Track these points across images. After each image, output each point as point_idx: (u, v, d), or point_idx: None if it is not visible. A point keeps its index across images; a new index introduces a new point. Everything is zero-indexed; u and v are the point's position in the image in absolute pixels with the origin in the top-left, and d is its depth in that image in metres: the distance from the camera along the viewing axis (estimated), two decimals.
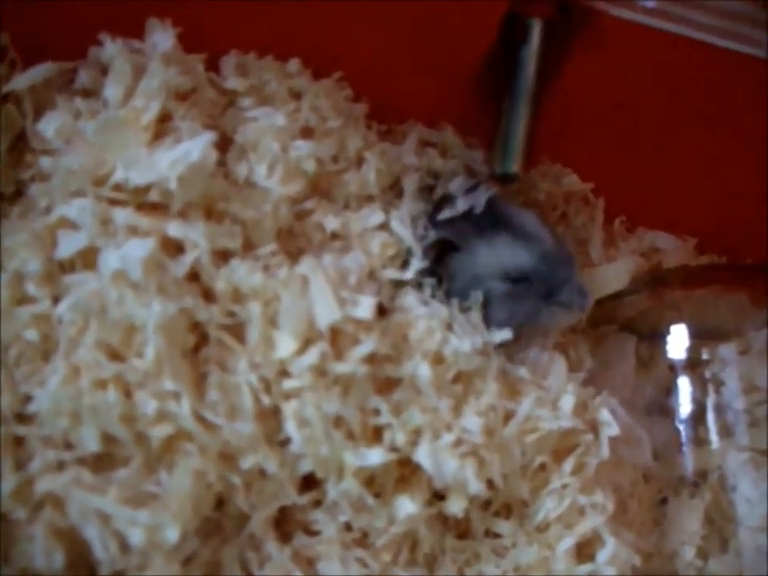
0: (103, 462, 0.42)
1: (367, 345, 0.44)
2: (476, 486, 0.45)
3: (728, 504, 0.54)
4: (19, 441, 0.42)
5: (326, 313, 0.44)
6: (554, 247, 0.51)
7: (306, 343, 0.43)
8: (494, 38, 0.53)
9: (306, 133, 0.51)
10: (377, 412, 0.45)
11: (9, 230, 0.45)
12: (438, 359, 0.47)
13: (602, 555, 0.48)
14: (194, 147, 0.44)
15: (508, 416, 0.48)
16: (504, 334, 0.49)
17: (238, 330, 0.44)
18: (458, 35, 0.52)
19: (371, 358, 0.45)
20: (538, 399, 0.49)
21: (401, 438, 0.45)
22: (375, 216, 0.51)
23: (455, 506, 0.46)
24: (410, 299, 0.49)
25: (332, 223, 0.50)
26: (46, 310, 0.43)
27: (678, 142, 0.58)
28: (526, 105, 0.52)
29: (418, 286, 0.51)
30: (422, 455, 0.45)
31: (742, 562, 0.52)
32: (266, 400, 0.43)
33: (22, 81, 0.48)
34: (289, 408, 0.43)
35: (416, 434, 0.45)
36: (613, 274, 0.56)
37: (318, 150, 0.50)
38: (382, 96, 0.56)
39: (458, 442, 0.45)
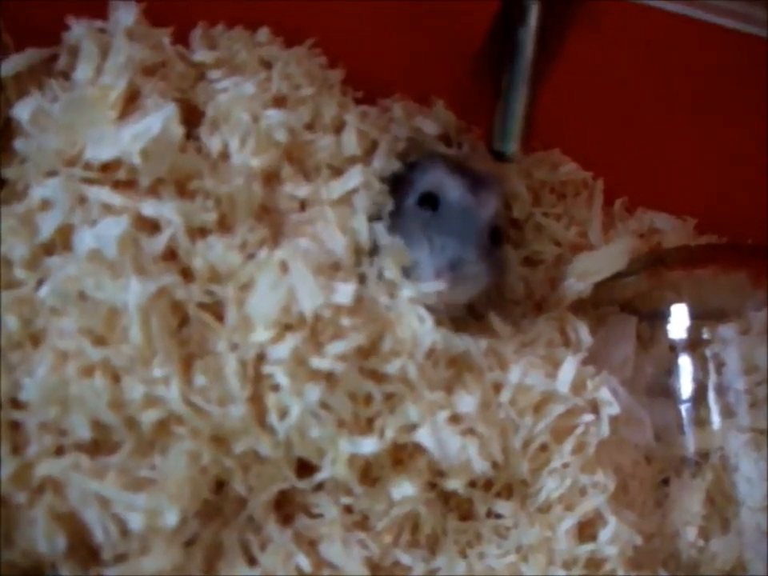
0: (99, 448, 0.42)
1: (350, 340, 0.44)
2: (480, 466, 0.45)
3: (729, 484, 0.54)
4: (15, 426, 0.42)
5: (310, 298, 0.43)
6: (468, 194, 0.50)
7: (284, 330, 0.43)
8: (492, 19, 0.52)
9: (279, 102, 0.51)
10: (368, 400, 0.45)
11: None
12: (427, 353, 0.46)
13: (604, 535, 0.47)
14: (155, 120, 0.44)
15: (499, 388, 0.48)
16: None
17: (218, 309, 0.44)
18: (455, 15, 0.52)
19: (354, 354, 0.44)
20: (531, 364, 0.49)
21: (392, 433, 0.45)
22: (352, 179, 0.50)
23: (455, 482, 0.46)
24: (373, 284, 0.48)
25: (302, 191, 0.49)
26: (29, 294, 0.43)
27: (678, 123, 0.58)
28: (524, 85, 0.51)
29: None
30: (424, 436, 0.45)
31: (743, 541, 0.52)
32: (247, 385, 0.43)
33: (5, 68, 0.48)
34: (270, 399, 0.43)
35: (411, 427, 0.45)
36: (610, 256, 0.56)
37: (290, 118, 0.49)
38: (370, 79, 0.55)
39: (456, 419, 0.45)
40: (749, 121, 0.57)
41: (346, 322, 0.44)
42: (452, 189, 0.50)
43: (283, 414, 0.43)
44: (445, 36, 0.53)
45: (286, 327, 0.43)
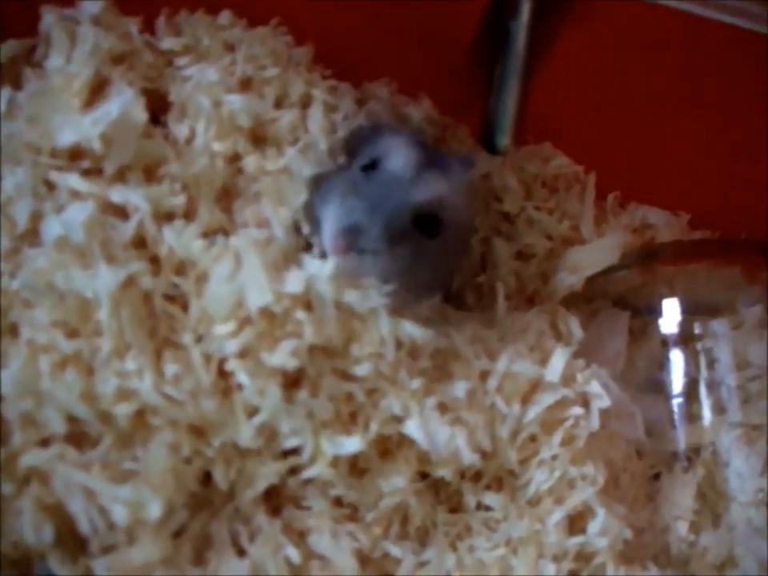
0: (82, 440, 0.42)
1: (303, 339, 0.42)
2: (469, 457, 0.45)
3: (721, 479, 0.54)
4: None
5: (258, 295, 0.42)
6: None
7: (242, 324, 0.42)
8: (483, 12, 0.52)
9: (244, 84, 0.50)
10: (348, 398, 0.44)
11: None
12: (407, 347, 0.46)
13: (593, 527, 0.47)
14: (114, 105, 0.44)
15: (486, 376, 0.48)
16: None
17: (183, 299, 0.44)
18: (444, 8, 0.52)
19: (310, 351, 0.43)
20: (518, 352, 0.48)
21: (376, 426, 0.44)
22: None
23: (444, 471, 0.46)
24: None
25: (251, 166, 0.48)
26: (6, 286, 0.43)
27: (672, 118, 0.58)
28: (515, 79, 0.52)
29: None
30: (412, 428, 0.44)
31: (734, 536, 0.52)
32: (215, 379, 0.42)
33: None
34: (236, 399, 0.43)
35: (396, 419, 0.45)
36: (603, 250, 0.56)
37: (253, 102, 0.49)
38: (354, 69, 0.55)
39: (443, 408, 0.45)
40: (744, 116, 0.57)
41: (300, 315, 0.42)
42: (395, 157, 0.46)
43: (251, 413, 0.43)
44: (433, 31, 0.53)
45: (245, 321, 0.42)
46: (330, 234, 0.44)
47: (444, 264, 0.50)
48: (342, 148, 0.50)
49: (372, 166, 0.47)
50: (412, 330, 0.45)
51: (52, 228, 0.43)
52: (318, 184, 0.48)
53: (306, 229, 0.46)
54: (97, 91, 0.46)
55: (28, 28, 0.49)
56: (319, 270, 0.43)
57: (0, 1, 0.49)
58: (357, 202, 0.44)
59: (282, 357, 0.42)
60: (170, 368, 0.42)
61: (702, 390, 0.55)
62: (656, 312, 0.57)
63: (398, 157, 0.46)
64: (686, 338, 0.56)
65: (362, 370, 0.44)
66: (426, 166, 0.46)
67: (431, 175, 0.46)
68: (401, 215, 0.45)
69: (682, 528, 0.53)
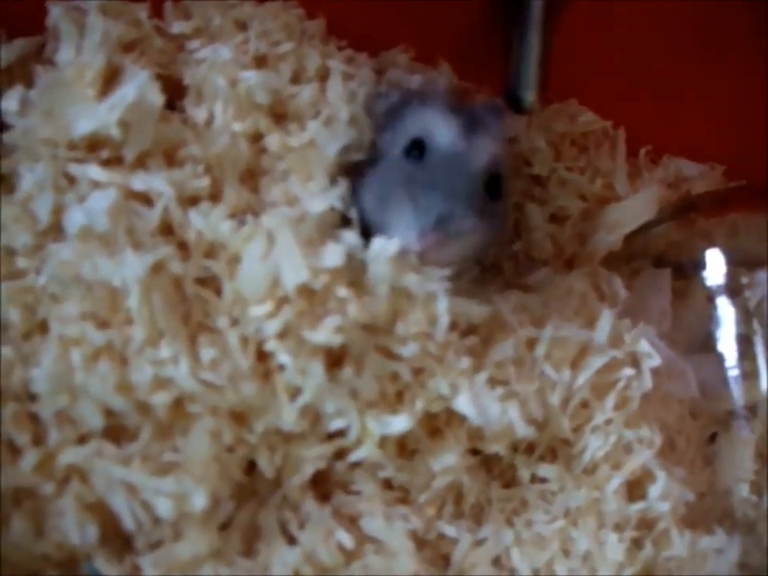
0: (120, 434, 0.41)
1: (348, 311, 0.41)
2: (523, 430, 0.44)
3: None
4: (34, 417, 0.41)
5: (294, 272, 0.40)
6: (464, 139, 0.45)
7: (280, 304, 0.41)
8: None
9: (259, 62, 0.49)
10: (394, 377, 0.43)
11: None
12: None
13: (654, 491, 0.46)
14: (129, 89, 0.43)
15: (533, 344, 0.47)
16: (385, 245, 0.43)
17: (215, 283, 0.43)
18: None
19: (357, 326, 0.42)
20: (564, 317, 0.47)
21: (422, 404, 0.43)
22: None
23: (497, 446, 0.44)
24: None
25: (274, 144, 0.47)
26: (31, 282, 0.42)
27: (701, 66, 0.56)
28: (536, 34, 0.50)
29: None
30: (463, 404, 0.43)
31: None
32: (254, 362, 0.41)
33: None
34: (278, 380, 0.41)
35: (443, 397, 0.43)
36: (639, 205, 0.54)
37: (270, 77, 0.48)
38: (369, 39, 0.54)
39: (492, 381, 0.44)
40: None
41: (342, 292, 0.41)
42: (441, 133, 0.45)
43: (293, 394, 0.41)
44: None
45: (283, 300, 0.41)
46: (421, 232, 0.42)
47: (507, 221, 0.51)
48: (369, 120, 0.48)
49: (416, 148, 0.45)
50: (469, 308, 0.44)
51: (75, 218, 0.41)
52: (357, 180, 0.46)
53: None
54: (110, 80, 0.45)
55: (36, 27, 0.48)
56: (379, 251, 0.42)
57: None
58: (428, 193, 0.43)
59: (325, 334, 0.40)
60: (206, 353, 0.40)
61: (756, 345, 0.53)
62: (699, 266, 0.54)
63: (444, 132, 0.45)
64: (732, 290, 0.54)
65: (407, 350, 0.43)
66: (469, 127, 0.45)
67: (480, 136, 0.45)
68: (475, 187, 0.44)
69: (744, 490, 0.51)
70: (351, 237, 0.43)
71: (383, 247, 0.42)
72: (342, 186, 0.45)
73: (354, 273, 0.42)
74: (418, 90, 0.50)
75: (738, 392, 0.53)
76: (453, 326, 0.43)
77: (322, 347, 0.41)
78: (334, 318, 0.41)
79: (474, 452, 0.46)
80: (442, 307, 0.43)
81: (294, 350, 0.40)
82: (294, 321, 0.40)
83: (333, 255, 0.41)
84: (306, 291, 0.41)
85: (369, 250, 0.43)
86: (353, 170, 0.47)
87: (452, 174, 0.44)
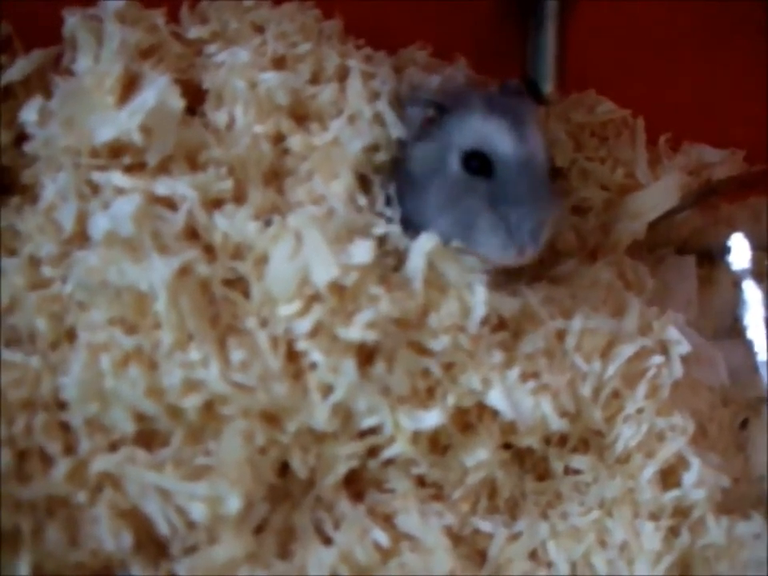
0: (151, 440, 0.41)
1: (380, 306, 0.41)
2: (557, 423, 0.43)
3: None
4: (65, 426, 0.41)
5: (324, 270, 0.40)
6: (537, 149, 0.45)
7: (309, 302, 0.41)
8: None
9: (278, 63, 0.49)
10: (425, 374, 0.43)
11: (17, 218, 0.45)
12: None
13: (689, 478, 0.46)
14: (149, 94, 0.43)
15: (563, 336, 0.46)
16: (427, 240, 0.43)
17: (243, 284, 0.42)
18: None
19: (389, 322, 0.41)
20: (593, 308, 0.47)
21: (454, 399, 0.43)
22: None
23: (530, 439, 0.44)
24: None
25: (296, 144, 0.47)
26: (58, 291, 0.42)
27: (718, 52, 0.57)
28: (553, 25, 0.50)
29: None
30: (496, 399, 0.43)
31: None
32: (284, 361, 0.41)
33: (13, 73, 0.48)
34: (310, 378, 0.41)
35: (475, 392, 0.43)
36: (661, 193, 0.54)
37: (289, 78, 0.48)
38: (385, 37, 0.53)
39: (525, 375, 0.44)
40: None
41: (374, 290, 0.41)
42: (502, 142, 0.45)
43: (326, 391, 0.41)
44: None
45: (312, 299, 0.41)
46: (516, 251, 0.44)
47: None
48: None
49: (475, 159, 0.45)
50: (502, 301, 0.44)
51: (100, 224, 0.41)
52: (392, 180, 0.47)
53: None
54: (129, 87, 0.45)
55: (52, 37, 0.48)
56: (419, 246, 0.43)
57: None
58: (515, 209, 0.44)
59: (358, 330, 0.40)
60: (236, 354, 0.40)
61: None
62: (723, 252, 0.54)
63: (506, 142, 0.45)
64: (758, 274, 0.53)
65: (439, 344, 0.42)
66: (517, 125, 0.46)
67: (527, 127, 0.46)
68: (548, 186, 0.46)
69: None
70: (393, 228, 0.44)
71: (427, 240, 0.43)
72: (389, 187, 0.47)
73: (384, 268, 0.42)
74: (451, 96, 0.49)
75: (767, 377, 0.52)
76: (484, 320, 0.43)
77: (354, 344, 0.41)
78: (366, 313, 0.40)
79: (506, 446, 0.45)
80: (479, 297, 0.43)
81: (326, 348, 0.40)
82: (326, 319, 0.40)
83: (362, 251, 0.41)
84: (336, 288, 0.41)
85: (411, 243, 0.43)
86: (382, 170, 0.47)
87: (529, 183, 0.45)
